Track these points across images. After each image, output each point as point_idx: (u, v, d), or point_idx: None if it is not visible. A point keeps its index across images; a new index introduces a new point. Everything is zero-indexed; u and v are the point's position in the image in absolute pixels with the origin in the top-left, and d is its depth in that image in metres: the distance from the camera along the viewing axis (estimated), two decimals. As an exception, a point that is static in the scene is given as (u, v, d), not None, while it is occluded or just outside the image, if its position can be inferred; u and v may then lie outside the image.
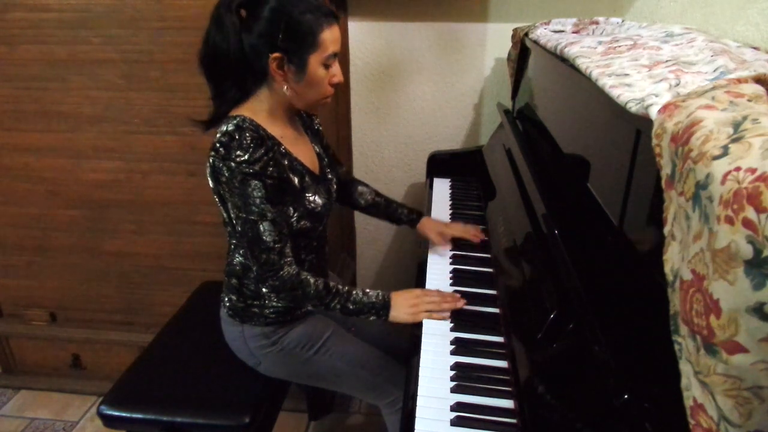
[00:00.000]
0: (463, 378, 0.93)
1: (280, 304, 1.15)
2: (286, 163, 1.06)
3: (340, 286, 1.10)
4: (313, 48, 0.99)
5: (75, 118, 1.57)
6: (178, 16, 1.41)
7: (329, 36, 0.99)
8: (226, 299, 1.19)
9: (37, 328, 1.86)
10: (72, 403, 1.89)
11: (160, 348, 1.31)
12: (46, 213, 1.70)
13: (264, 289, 1.10)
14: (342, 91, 1.84)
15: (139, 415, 1.14)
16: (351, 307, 1.09)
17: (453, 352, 1.00)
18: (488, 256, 1.30)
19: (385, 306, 1.10)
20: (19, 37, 1.49)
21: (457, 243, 1.36)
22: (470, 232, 1.36)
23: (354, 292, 1.10)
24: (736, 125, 0.45)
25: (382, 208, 1.41)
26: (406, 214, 1.40)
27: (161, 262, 1.73)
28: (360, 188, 1.40)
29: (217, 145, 0.98)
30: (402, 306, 1.10)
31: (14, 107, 1.57)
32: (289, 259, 1.05)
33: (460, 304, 1.10)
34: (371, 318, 1.10)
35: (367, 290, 1.12)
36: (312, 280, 1.07)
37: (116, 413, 1.14)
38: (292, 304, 1.14)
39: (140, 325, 1.83)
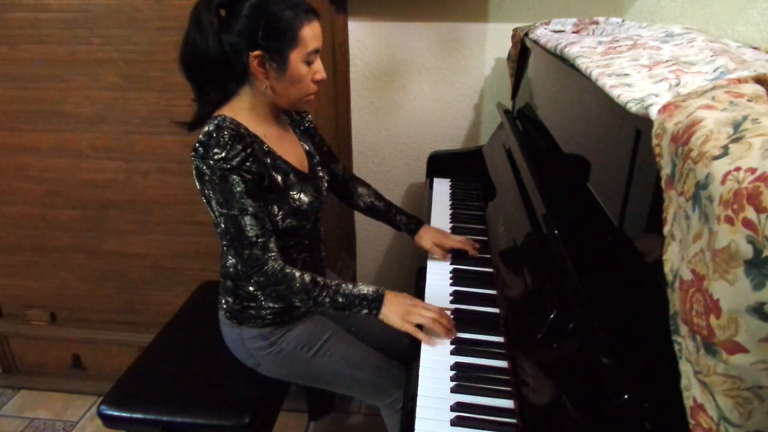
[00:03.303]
0: (463, 378, 0.93)
1: (276, 305, 1.14)
2: (268, 161, 1.06)
3: (329, 280, 1.07)
4: (294, 44, 0.99)
5: (75, 118, 1.57)
6: (178, 16, 1.41)
7: (310, 32, 1.00)
8: (223, 301, 1.19)
9: (37, 328, 1.86)
10: (72, 403, 1.89)
11: (160, 348, 1.31)
12: (46, 213, 1.70)
13: (250, 288, 1.09)
14: (342, 91, 1.84)
15: (139, 415, 1.14)
16: (341, 300, 1.05)
17: (453, 352, 0.99)
18: (488, 256, 1.30)
19: (378, 299, 1.06)
20: (19, 37, 1.49)
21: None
22: (468, 243, 1.32)
23: (344, 284, 1.07)
24: (736, 125, 0.45)
25: (382, 212, 1.39)
26: (405, 222, 1.37)
27: (161, 262, 1.73)
28: (360, 189, 1.39)
29: (197, 145, 0.99)
30: (395, 307, 1.06)
31: (14, 107, 1.57)
32: (273, 254, 1.03)
33: (453, 335, 1.03)
34: (363, 312, 1.06)
35: (359, 283, 1.09)
36: (298, 274, 1.04)
37: (116, 413, 1.14)
38: (279, 301, 1.11)
39: (140, 325, 1.83)
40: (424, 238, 1.33)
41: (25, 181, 1.67)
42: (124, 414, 1.14)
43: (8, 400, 1.91)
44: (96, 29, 1.45)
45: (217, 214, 1.02)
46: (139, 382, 1.21)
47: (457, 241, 1.32)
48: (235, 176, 0.98)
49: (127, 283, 1.78)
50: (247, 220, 1.00)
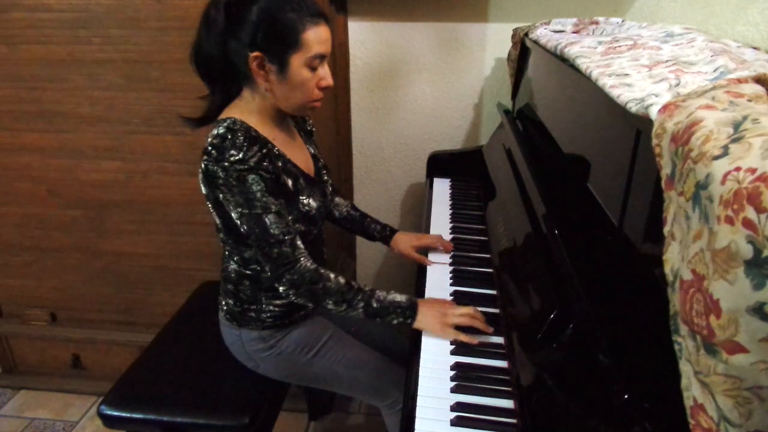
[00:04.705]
0: (463, 378, 0.93)
1: (277, 309, 1.14)
2: (279, 164, 1.04)
3: (363, 284, 1.06)
4: (295, 48, 0.96)
5: (75, 118, 1.57)
6: (178, 16, 1.41)
7: (314, 36, 0.96)
8: (223, 303, 1.19)
9: (37, 328, 1.86)
10: (72, 403, 1.89)
11: (160, 348, 1.31)
12: (46, 213, 1.70)
13: (281, 288, 1.03)
14: (342, 91, 1.84)
15: (139, 415, 1.14)
16: (375, 305, 1.03)
17: (453, 352, 0.99)
18: (488, 256, 1.30)
19: (412, 308, 1.04)
20: (19, 37, 1.49)
21: (457, 243, 1.36)
22: (443, 242, 1.33)
23: (378, 290, 1.05)
24: (736, 125, 0.45)
25: (357, 222, 1.38)
26: (379, 230, 1.37)
27: (161, 262, 1.73)
28: (337, 199, 1.38)
29: (209, 148, 0.97)
30: (431, 312, 1.03)
31: (14, 107, 1.58)
32: (303, 251, 1.01)
33: (490, 330, 1.02)
34: (396, 321, 1.04)
35: (391, 291, 1.06)
36: (332, 276, 1.02)
37: (116, 413, 1.14)
38: (311, 301, 1.04)
39: (140, 325, 1.83)
40: (400, 243, 1.35)
41: (25, 181, 1.67)
42: (124, 414, 1.14)
43: (8, 400, 1.90)
44: (96, 29, 1.46)
45: (236, 215, 0.99)
46: (139, 382, 1.21)
47: (433, 240, 1.34)
48: (253, 175, 0.96)
49: (127, 283, 1.78)
50: (271, 218, 0.98)
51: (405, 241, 1.35)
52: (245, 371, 1.21)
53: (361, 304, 1.03)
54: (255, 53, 0.96)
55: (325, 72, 1.02)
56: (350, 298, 1.03)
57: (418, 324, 1.03)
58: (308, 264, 1.01)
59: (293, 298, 1.04)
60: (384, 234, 1.37)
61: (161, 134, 1.56)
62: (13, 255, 1.78)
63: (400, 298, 1.05)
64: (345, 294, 1.03)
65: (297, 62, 0.97)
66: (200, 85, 1.07)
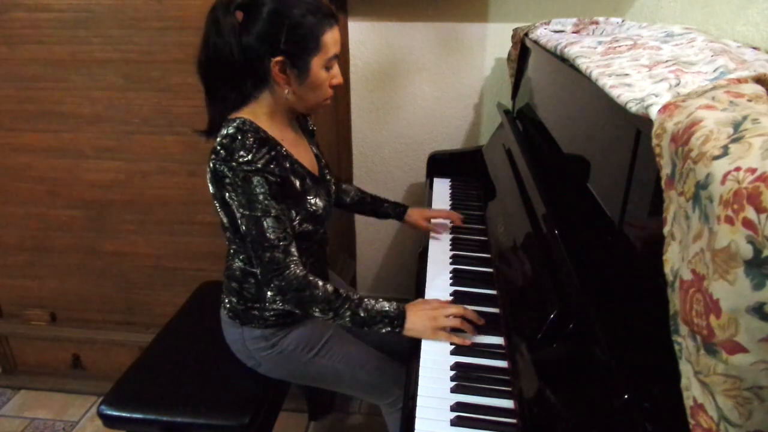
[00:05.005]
0: (463, 378, 0.93)
1: (280, 307, 1.14)
2: (287, 165, 1.05)
3: (351, 293, 1.05)
4: (316, 51, 0.98)
5: (75, 118, 1.57)
6: (178, 16, 1.41)
7: (331, 38, 0.99)
8: (226, 301, 1.19)
9: (37, 328, 1.86)
10: (72, 403, 1.88)
11: (160, 348, 1.31)
12: (46, 213, 1.70)
13: (269, 293, 1.03)
14: (342, 91, 1.84)
15: (139, 415, 1.14)
16: (362, 314, 1.03)
17: (453, 352, 0.99)
18: (488, 256, 1.30)
19: (399, 316, 1.03)
20: (19, 37, 1.49)
21: (457, 243, 1.36)
22: (454, 215, 1.43)
23: (366, 299, 1.05)
24: (736, 125, 0.45)
25: (368, 203, 1.43)
26: (392, 207, 1.43)
27: (161, 262, 1.73)
28: (345, 186, 1.42)
29: (218, 148, 0.98)
30: (419, 318, 1.02)
31: (14, 107, 1.58)
32: (295, 258, 1.02)
33: (480, 322, 1.03)
34: (383, 330, 1.03)
35: (380, 299, 1.06)
36: (321, 283, 1.03)
37: (116, 413, 1.14)
38: (298, 308, 1.05)
39: (140, 325, 1.83)
40: (414, 216, 1.43)
41: (25, 181, 1.67)
42: (124, 414, 1.14)
43: (8, 400, 1.90)
44: (96, 29, 1.45)
45: (238, 215, 1.00)
46: (139, 382, 1.21)
47: (444, 212, 1.44)
48: (258, 177, 0.97)
49: (127, 283, 1.78)
50: (269, 222, 0.98)
51: (418, 213, 1.42)
52: (245, 371, 1.21)
53: (348, 313, 1.03)
54: (278, 58, 0.97)
55: (336, 71, 1.05)
56: (337, 307, 1.02)
57: (407, 332, 1.03)
58: (297, 271, 1.01)
59: (280, 304, 1.04)
60: (397, 210, 1.44)
61: (161, 134, 1.56)
62: (13, 255, 1.78)
63: (388, 306, 1.05)
64: (332, 302, 1.02)
65: (317, 64, 1.00)
66: (200, 85, 1.07)
